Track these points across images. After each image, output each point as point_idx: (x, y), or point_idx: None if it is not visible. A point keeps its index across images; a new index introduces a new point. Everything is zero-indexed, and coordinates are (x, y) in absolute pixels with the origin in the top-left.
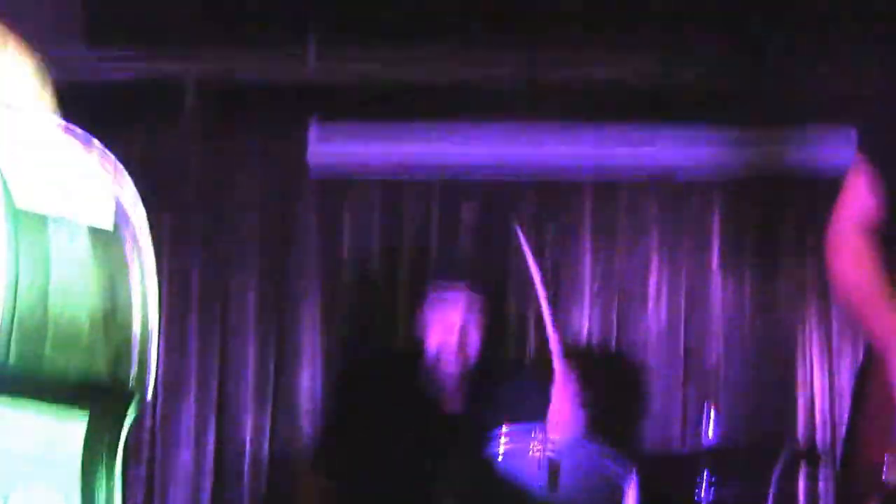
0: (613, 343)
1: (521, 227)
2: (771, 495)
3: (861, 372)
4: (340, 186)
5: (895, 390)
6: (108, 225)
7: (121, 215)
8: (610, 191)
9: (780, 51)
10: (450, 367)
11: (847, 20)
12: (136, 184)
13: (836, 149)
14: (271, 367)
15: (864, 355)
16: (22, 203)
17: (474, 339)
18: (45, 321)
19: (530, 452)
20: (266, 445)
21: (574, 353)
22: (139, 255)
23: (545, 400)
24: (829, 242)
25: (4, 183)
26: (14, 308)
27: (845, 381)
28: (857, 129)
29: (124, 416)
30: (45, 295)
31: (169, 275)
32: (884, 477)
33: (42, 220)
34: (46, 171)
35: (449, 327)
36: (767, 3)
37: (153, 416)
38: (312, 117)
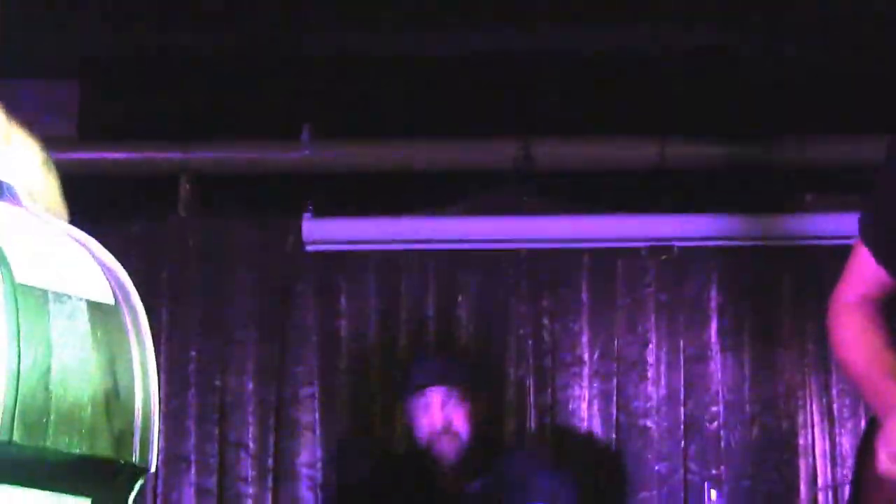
0: (614, 413)
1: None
2: None
3: (863, 443)
4: (336, 262)
5: (882, 457)
6: (108, 299)
7: (120, 290)
8: (607, 260)
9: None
10: (444, 454)
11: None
12: (134, 271)
13: (834, 217)
14: (271, 441)
15: (866, 427)
16: (22, 277)
17: (462, 427)
18: (48, 403)
19: None
20: None
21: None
22: (139, 331)
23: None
24: (831, 314)
25: (4, 257)
26: (17, 389)
27: (847, 447)
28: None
29: (128, 495)
30: (47, 375)
31: (168, 356)
32: None
33: (43, 295)
34: (44, 246)
35: (433, 423)
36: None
37: (154, 493)
38: (307, 207)
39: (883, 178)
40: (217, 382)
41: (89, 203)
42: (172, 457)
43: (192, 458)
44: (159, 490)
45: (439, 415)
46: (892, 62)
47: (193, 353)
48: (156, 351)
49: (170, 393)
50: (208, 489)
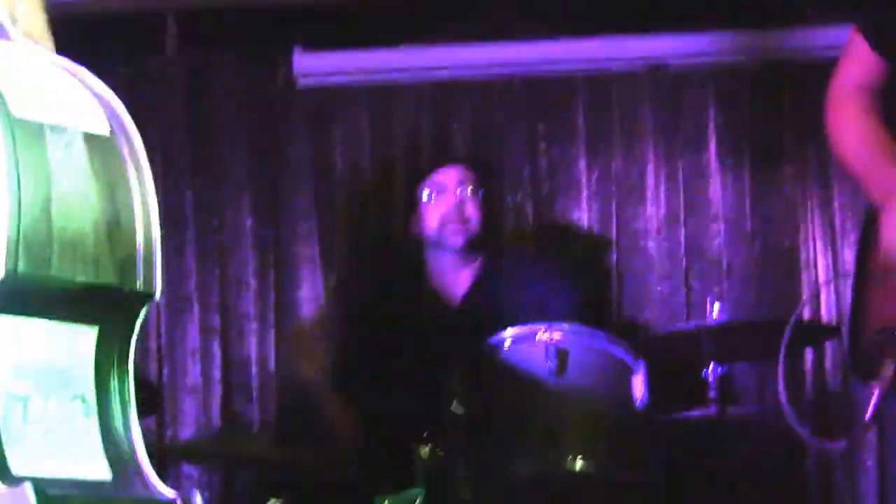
0: (613, 235)
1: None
2: (780, 372)
3: (863, 235)
4: (328, 95)
5: (885, 243)
6: (104, 131)
7: (115, 121)
8: (603, 85)
9: None
10: (453, 239)
11: None
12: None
13: (833, 30)
14: (271, 278)
15: (864, 219)
16: (17, 111)
17: (473, 212)
18: (51, 233)
19: (537, 338)
20: (272, 357)
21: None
22: (136, 159)
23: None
24: (829, 101)
25: (0, 93)
26: (19, 221)
27: (850, 260)
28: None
29: (135, 322)
30: (48, 206)
31: (163, 195)
32: None
33: (39, 127)
34: (37, 78)
35: (447, 202)
36: None
37: (158, 335)
38: (294, 42)
39: None
40: (215, 221)
41: (74, 46)
42: (175, 297)
43: (195, 297)
44: (163, 329)
45: (453, 195)
46: None
47: (189, 194)
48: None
49: (169, 234)
50: (212, 327)
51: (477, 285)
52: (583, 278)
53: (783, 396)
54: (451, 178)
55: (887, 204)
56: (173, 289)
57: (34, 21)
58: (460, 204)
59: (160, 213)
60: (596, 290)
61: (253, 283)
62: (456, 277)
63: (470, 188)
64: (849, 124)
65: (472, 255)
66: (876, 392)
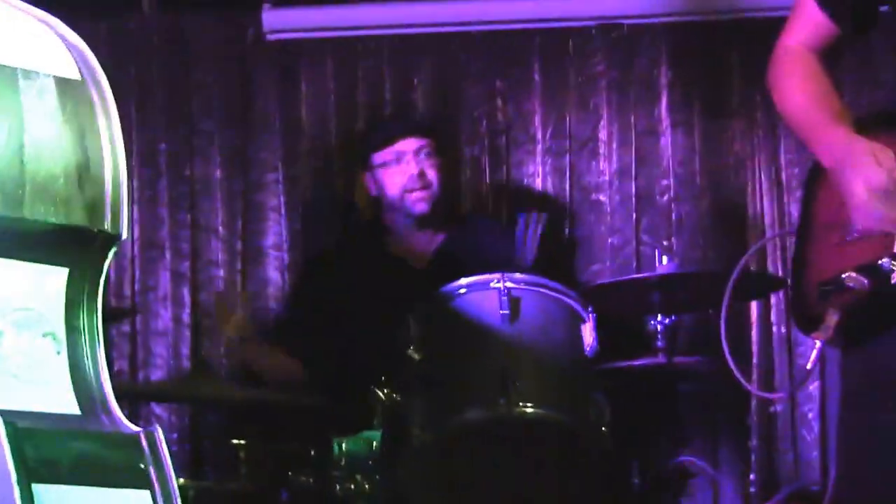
0: (567, 189)
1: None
2: (722, 323)
3: (806, 191)
4: (295, 50)
5: (854, 213)
6: (74, 75)
7: (85, 68)
8: (556, 43)
9: None
10: (417, 206)
11: None
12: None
13: None
14: (238, 227)
15: (807, 176)
16: None
17: (433, 177)
18: (23, 175)
19: (491, 285)
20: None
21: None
22: (105, 105)
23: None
24: (775, 61)
25: None
26: None
27: (796, 214)
28: None
29: (103, 263)
30: (20, 149)
31: (138, 149)
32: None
33: (12, 72)
34: (9, 24)
35: (408, 171)
36: None
37: (132, 278)
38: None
39: None
40: (186, 172)
41: (54, 3)
42: (147, 244)
43: (167, 244)
44: (137, 276)
45: (413, 163)
46: None
47: (163, 146)
48: (126, 145)
49: (142, 184)
50: (182, 273)
51: (442, 250)
52: (535, 233)
53: (725, 346)
54: (409, 147)
55: (846, 171)
56: (146, 236)
57: None
58: (421, 171)
59: (135, 164)
60: (547, 242)
61: (222, 231)
62: (420, 241)
63: (430, 155)
64: (795, 86)
65: (434, 221)
66: (818, 344)
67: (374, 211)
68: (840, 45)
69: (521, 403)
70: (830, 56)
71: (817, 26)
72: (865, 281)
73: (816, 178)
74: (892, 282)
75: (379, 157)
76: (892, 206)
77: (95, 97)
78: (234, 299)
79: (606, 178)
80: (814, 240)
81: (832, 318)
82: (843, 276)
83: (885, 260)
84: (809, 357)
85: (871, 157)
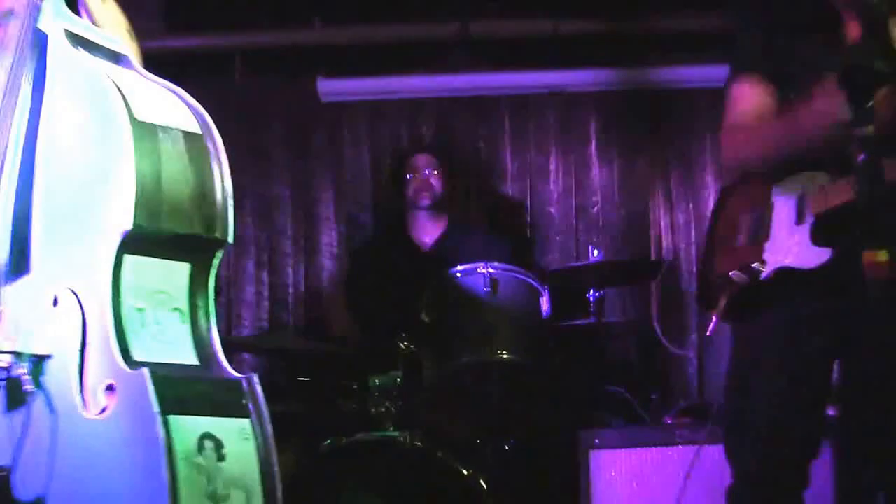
0: (528, 203)
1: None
2: (654, 303)
3: (716, 206)
4: (342, 109)
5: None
6: (195, 129)
7: (203, 124)
8: (521, 103)
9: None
10: (423, 202)
11: None
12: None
13: (675, 69)
14: (302, 231)
15: (718, 196)
16: (140, 116)
17: (436, 183)
18: (161, 199)
19: (478, 271)
20: (302, 283)
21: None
22: (217, 151)
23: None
24: (725, 137)
25: (126, 102)
26: (141, 192)
27: (681, 221)
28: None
29: (214, 260)
30: (159, 181)
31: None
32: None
33: (153, 127)
34: (152, 94)
35: (419, 178)
36: None
37: (227, 266)
38: (319, 71)
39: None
40: (264, 191)
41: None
42: (238, 242)
43: (251, 242)
44: (231, 263)
45: (421, 172)
46: None
47: (247, 176)
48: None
49: (235, 199)
50: (263, 262)
51: (441, 239)
52: (507, 233)
53: (655, 318)
54: (422, 161)
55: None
56: (237, 236)
57: (133, 52)
58: (427, 178)
59: (231, 186)
60: (516, 240)
61: (290, 232)
62: (426, 231)
63: (434, 168)
64: (753, 134)
65: (438, 215)
66: (714, 318)
67: (399, 205)
68: (771, 105)
69: (499, 351)
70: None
71: (757, 94)
72: (745, 277)
73: (720, 204)
74: (760, 278)
75: (403, 170)
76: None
77: (210, 145)
78: (337, 303)
79: (555, 196)
80: (714, 246)
81: (722, 302)
82: (731, 273)
83: (755, 263)
84: (708, 326)
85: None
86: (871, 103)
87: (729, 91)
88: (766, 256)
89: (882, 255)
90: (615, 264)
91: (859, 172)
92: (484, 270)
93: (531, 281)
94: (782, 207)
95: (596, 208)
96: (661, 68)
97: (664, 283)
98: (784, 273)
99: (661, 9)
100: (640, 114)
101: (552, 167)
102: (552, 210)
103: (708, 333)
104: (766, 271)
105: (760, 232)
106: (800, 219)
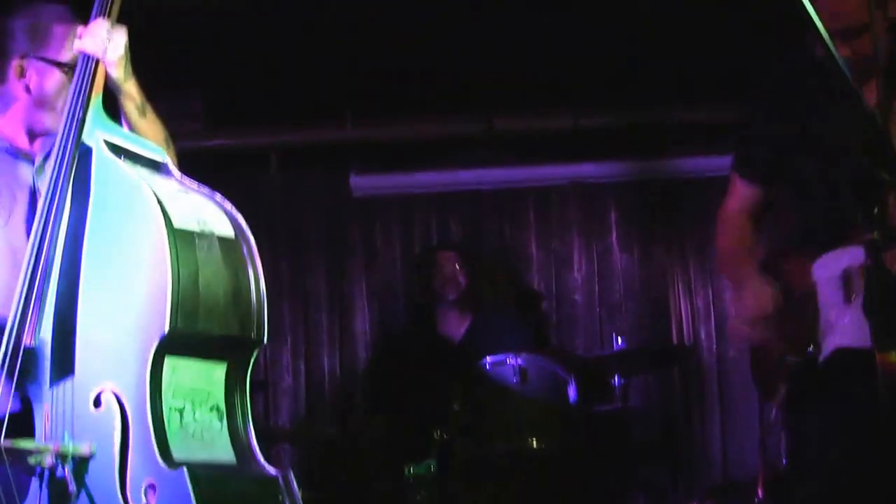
0: (553, 291)
1: None
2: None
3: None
4: (373, 204)
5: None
6: (230, 234)
7: (238, 228)
8: (544, 195)
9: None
10: (450, 296)
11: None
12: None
13: (687, 160)
14: (337, 321)
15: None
16: (177, 224)
17: (462, 279)
18: (197, 302)
19: (507, 362)
20: (338, 371)
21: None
22: (251, 254)
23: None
24: (718, 223)
25: (164, 211)
26: (178, 295)
27: (700, 306)
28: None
29: (250, 359)
30: (196, 285)
31: (265, 270)
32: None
33: (191, 234)
34: (189, 202)
35: (444, 272)
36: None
37: (265, 356)
38: (351, 167)
39: (756, 118)
40: (300, 282)
41: (209, 170)
42: (275, 333)
43: (288, 333)
44: (268, 354)
45: (447, 266)
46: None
47: (284, 266)
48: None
49: (270, 295)
50: (300, 352)
51: (469, 332)
52: (533, 321)
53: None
54: (445, 256)
55: (736, 295)
56: (274, 327)
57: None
58: (452, 272)
59: (265, 287)
60: (542, 328)
61: (325, 323)
62: (454, 324)
63: (459, 264)
64: (725, 239)
65: (465, 309)
66: (774, 410)
67: (426, 300)
68: (764, 201)
69: (529, 438)
70: (758, 211)
71: (744, 193)
72: (799, 360)
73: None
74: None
75: (427, 264)
76: (761, 328)
77: (245, 249)
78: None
79: (578, 283)
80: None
81: (781, 390)
82: (785, 357)
83: (810, 347)
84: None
85: (751, 291)
86: (876, 210)
87: (730, 177)
88: (820, 339)
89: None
90: (639, 353)
91: (867, 277)
92: (513, 361)
93: (558, 370)
94: (825, 287)
95: (618, 295)
96: (677, 158)
97: (686, 366)
98: (841, 353)
99: (673, 102)
100: (657, 203)
101: (575, 256)
102: (577, 297)
103: (772, 420)
104: (823, 354)
105: (808, 313)
106: (847, 298)
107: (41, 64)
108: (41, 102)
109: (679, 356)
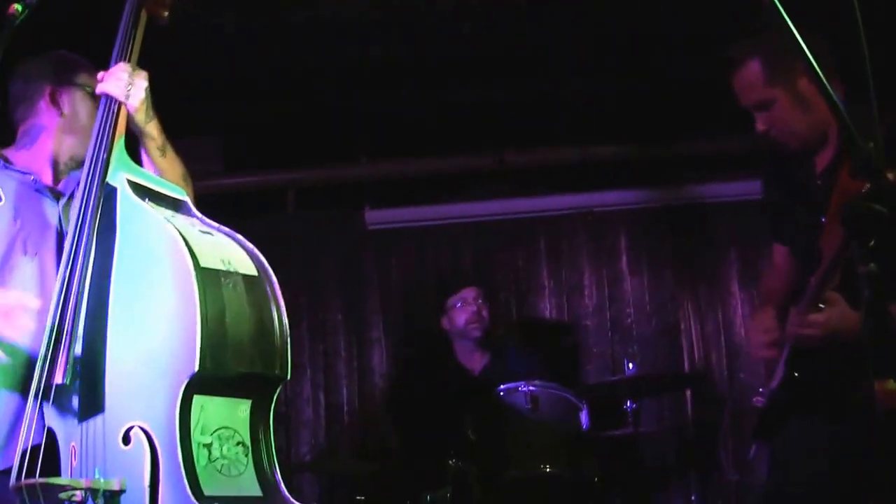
0: (565, 318)
1: None
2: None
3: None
4: (388, 236)
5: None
6: (253, 272)
7: (260, 265)
8: (554, 225)
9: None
10: (474, 333)
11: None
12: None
13: (694, 186)
14: (355, 352)
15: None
16: (203, 263)
17: (485, 315)
18: (226, 341)
19: (520, 389)
20: (356, 402)
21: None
22: (274, 292)
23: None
24: (768, 268)
25: (191, 249)
26: (207, 335)
27: (710, 330)
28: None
29: (274, 395)
30: (223, 324)
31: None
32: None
33: (216, 273)
34: (214, 241)
35: (468, 309)
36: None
37: (285, 388)
38: (366, 203)
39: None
40: (319, 316)
41: (229, 207)
42: (295, 364)
43: (307, 364)
44: (288, 386)
45: (472, 304)
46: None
47: (303, 300)
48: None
49: (291, 327)
50: (319, 383)
51: (489, 365)
52: (546, 349)
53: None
54: (470, 294)
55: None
56: (294, 359)
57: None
58: (478, 309)
59: (288, 323)
60: (555, 354)
61: (343, 354)
62: (475, 358)
63: (483, 301)
64: (765, 282)
65: (485, 343)
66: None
67: (447, 340)
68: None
69: (542, 465)
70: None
71: (777, 250)
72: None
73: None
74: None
75: (451, 301)
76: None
77: (267, 286)
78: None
79: (590, 310)
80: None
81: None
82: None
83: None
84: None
85: (753, 332)
86: (872, 243)
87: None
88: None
89: (892, 385)
90: (649, 377)
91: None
92: (525, 389)
93: (570, 396)
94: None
95: (629, 320)
96: (683, 185)
97: (697, 389)
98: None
99: (679, 132)
100: (665, 229)
101: (585, 283)
102: (588, 323)
103: (751, 457)
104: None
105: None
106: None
107: (74, 89)
108: (71, 127)
109: (690, 383)
